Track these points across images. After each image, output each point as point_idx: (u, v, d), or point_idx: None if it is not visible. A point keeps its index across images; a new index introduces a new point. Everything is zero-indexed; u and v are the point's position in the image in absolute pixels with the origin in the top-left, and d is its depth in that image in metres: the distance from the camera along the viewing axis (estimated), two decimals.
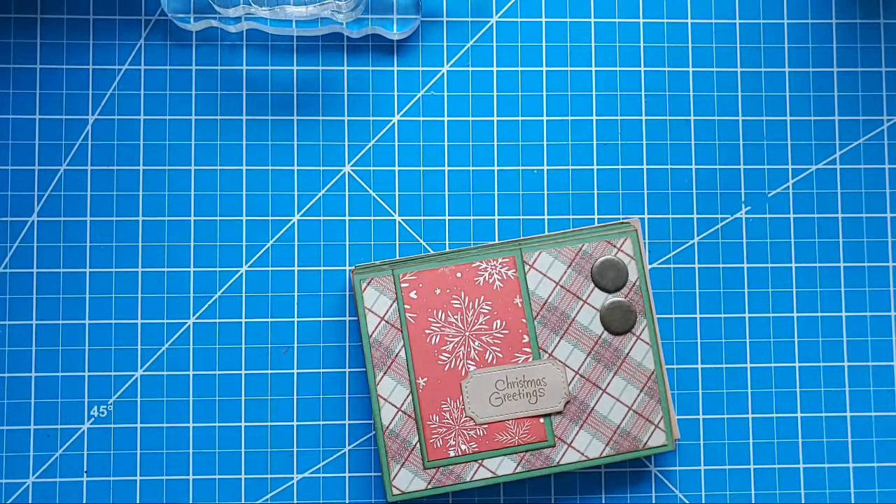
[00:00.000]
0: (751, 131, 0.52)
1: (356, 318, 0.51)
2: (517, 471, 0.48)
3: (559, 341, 0.49)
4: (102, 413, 0.50)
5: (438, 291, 0.49)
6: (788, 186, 0.52)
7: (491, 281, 0.49)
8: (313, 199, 0.52)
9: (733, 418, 0.51)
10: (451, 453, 0.48)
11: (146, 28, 0.52)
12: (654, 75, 0.52)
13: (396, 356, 0.49)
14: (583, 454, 0.48)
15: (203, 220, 0.51)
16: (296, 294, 0.51)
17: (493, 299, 0.49)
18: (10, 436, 0.50)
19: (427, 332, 0.49)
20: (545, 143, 0.52)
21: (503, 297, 0.49)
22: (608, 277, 0.49)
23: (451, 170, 0.52)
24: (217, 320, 0.51)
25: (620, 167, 0.52)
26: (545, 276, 0.49)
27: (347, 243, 0.51)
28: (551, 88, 0.52)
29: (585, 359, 0.49)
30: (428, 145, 0.52)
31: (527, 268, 0.49)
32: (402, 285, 0.49)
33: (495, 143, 0.52)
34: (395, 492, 0.48)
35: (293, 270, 0.51)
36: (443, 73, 0.52)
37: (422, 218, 0.52)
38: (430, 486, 0.48)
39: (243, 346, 0.51)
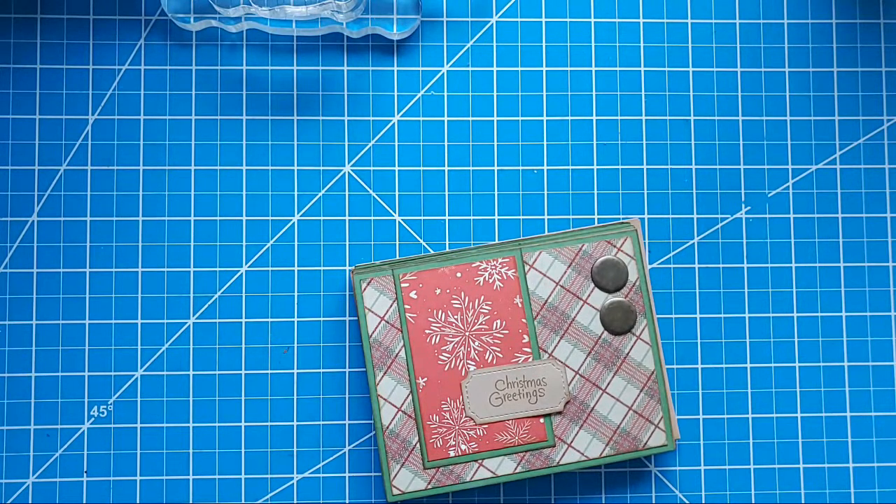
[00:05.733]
0: (751, 131, 0.52)
1: (356, 318, 0.51)
2: (517, 471, 0.48)
3: (559, 341, 0.49)
4: (102, 413, 0.50)
5: (438, 291, 0.49)
6: (788, 186, 0.52)
7: (491, 281, 0.49)
8: (313, 199, 0.52)
9: (733, 418, 0.51)
10: (451, 453, 0.48)
11: (146, 28, 0.52)
12: (654, 75, 0.52)
13: (396, 356, 0.49)
14: (583, 454, 0.48)
15: (203, 220, 0.51)
16: (296, 294, 0.51)
17: (493, 299, 0.49)
18: (10, 436, 0.50)
19: (427, 332, 0.49)
20: (545, 143, 0.52)
21: (503, 297, 0.49)
22: (608, 277, 0.49)
23: (451, 170, 0.52)
24: (217, 320, 0.51)
25: (620, 167, 0.52)
26: (545, 276, 0.49)
27: (347, 243, 0.51)
28: (551, 88, 0.52)
29: (585, 359, 0.49)
30: (428, 145, 0.52)
31: (527, 268, 0.49)
32: (402, 285, 0.49)
33: (495, 143, 0.52)
34: (395, 492, 0.48)
35: (293, 270, 0.51)
36: (443, 73, 0.52)
37: (422, 218, 0.52)
38: (430, 486, 0.48)
39: (243, 346, 0.51)
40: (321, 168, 0.52)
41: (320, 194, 0.52)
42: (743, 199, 0.52)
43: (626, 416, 0.49)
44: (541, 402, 0.48)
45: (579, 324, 0.49)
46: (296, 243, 0.51)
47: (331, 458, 0.51)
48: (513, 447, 0.48)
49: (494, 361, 0.49)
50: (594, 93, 0.52)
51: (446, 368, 0.49)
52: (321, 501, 0.50)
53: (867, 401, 0.52)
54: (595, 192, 0.52)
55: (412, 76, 0.52)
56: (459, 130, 0.52)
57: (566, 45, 0.52)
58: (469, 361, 0.49)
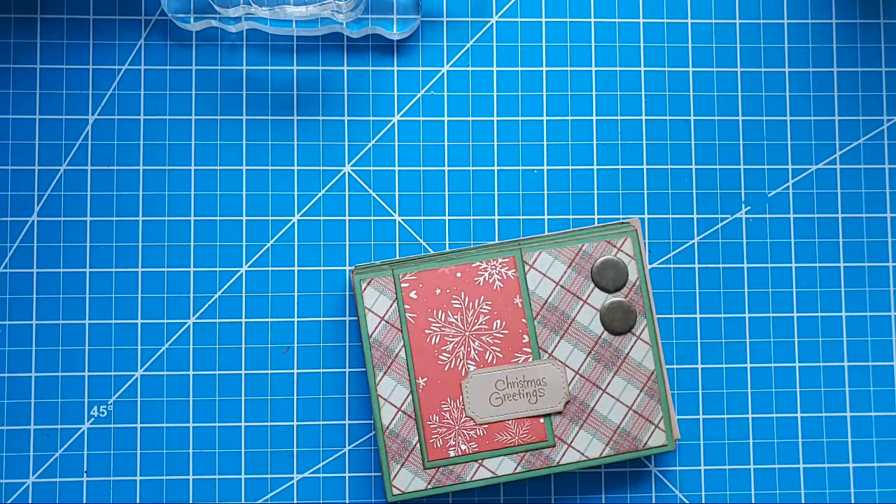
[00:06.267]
0: (751, 131, 0.52)
1: (356, 318, 0.51)
2: (517, 471, 0.48)
3: (559, 341, 0.49)
4: (102, 413, 0.50)
5: (438, 291, 0.49)
6: (788, 186, 0.52)
7: (491, 281, 0.49)
8: (313, 199, 0.52)
9: (733, 418, 0.51)
10: (451, 453, 0.48)
11: (146, 28, 0.52)
12: (654, 75, 0.52)
13: (396, 356, 0.49)
14: (583, 454, 0.48)
15: (203, 220, 0.51)
16: (296, 294, 0.51)
17: (493, 299, 0.49)
18: (10, 436, 0.50)
19: (427, 332, 0.49)
20: (545, 143, 0.52)
21: (503, 297, 0.49)
22: (608, 277, 0.49)
23: (451, 170, 0.52)
24: (217, 320, 0.51)
25: (620, 167, 0.52)
26: (545, 276, 0.49)
27: (347, 243, 0.51)
28: (551, 88, 0.52)
29: (585, 359, 0.49)
30: (428, 145, 0.52)
31: (527, 268, 0.49)
32: (402, 285, 0.49)
33: (495, 143, 0.52)
34: (395, 492, 0.48)
35: (293, 270, 0.51)
36: (443, 73, 0.52)
37: (422, 218, 0.52)
38: (430, 486, 0.48)
39: (243, 346, 0.51)
40: (321, 168, 0.52)
41: (320, 194, 0.52)
42: (743, 199, 0.52)
43: (626, 416, 0.49)
44: (541, 402, 0.48)
45: (579, 324, 0.49)
46: (296, 243, 0.51)
47: (331, 458, 0.51)
48: (513, 447, 0.48)
49: (494, 361, 0.49)
50: (594, 93, 0.52)
51: (446, 368, 0.49)
52: (321, 501, 0.50)
53: (867, 401, 0.52)
54: (595, 192, 0.52)
55: (412, 76, 0.52)
56: (459, 130, 0.52)
57: (566, 45, 0.52)
58: (469, 361, 0.49)
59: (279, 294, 0.51)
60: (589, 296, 0.49)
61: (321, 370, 0.51)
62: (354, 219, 0.52)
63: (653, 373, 0.49)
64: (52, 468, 0.50)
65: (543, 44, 0.52)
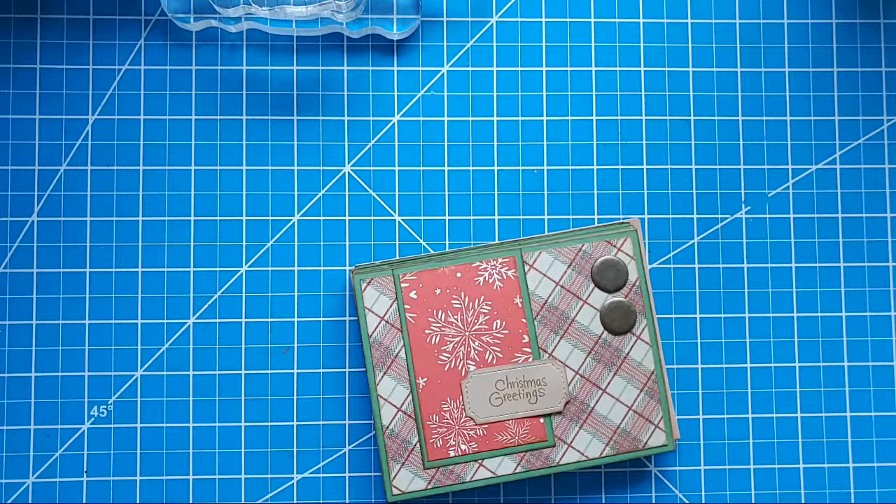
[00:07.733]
0: (751, 131, 0.52)
1: (356, 318, 0.51)
2: (517, 471, 0.48)
3: (559, 341, 0.49)
4: (102, 413, 0.50)
5: (438, 291, 0.49)
6: (788, 186, 0.52)
7: (491, 281, 0.49)
8: (313, 199, 0.52)
9: (733, 418, 0.51)
10: (451, 453, 0.48)
11: (146, 28, 0.52)
12: (654, 75, 0.52)
13: (396, 356, 0.49)
14: (583, 454, 0.48)
15: (203, 220, 0.51)
16: (296, 294, 0.51)
17: (493, 299, 0.49)
18: (10, 436, 0.50)
19: (427, 332, 0.49)
20: (545, 143, 0.52)
21: (503, 297, 0.49)
22: (608, 277, 0.49)
23: (451, 170, 0.52)
24: (217, 320, 0.51)
25: (620, 167, 0.52)
26: (545, 276, 0.49)
27: (347, 243, 0.51)
28: (551, 88, 0.52)
29: (585, 359, 0.49)
30: (428, 145, 0.52)
31: (527, 268, 0.49)
32: (402, 285, 0.49)
33: (495, 143, 0.52)
34: (395, 492, 0.48)
35: (293, 270, 0.51)
36: (443, 73, 0.52)
37: (422, 218, 0.52)
38: (430, 486, 0.48)
39: (243, 346, 0.51)
40: (321, 168, 0.52)
41: (320, 194, 0.52)
42: (743, 199, 0.52)
43: (626, 416, 0.49)
44: (541, 402, 0.48)
45: (579, 324, 0.49)
46: (296, 243, 0.51)
47: (331, 458, 0.51)
48: (513, 447, 0.48)
49: (494, 361, 0.49)
50: (594, 93, 0.52)
51: (446, 368, 0.49)
52: (321, 501, 0.50)
53: (867, 401, 0.52)
54: (595, 192, 0.52)
55: (412, 76, 0.52)
56: (459, 130, 0.52)
57: (566, 45, 0.52)
58: (469, 361, 0.49)
59: (279, 294, 0.51)
60: (589, 296, 0.49)
61: (321, 370, 0.51)
62: (354, 219, 0.52)
63: (653, 373, 0.49)
64: (52, 468, 0.50)
65: (543, 44, 0.52)
